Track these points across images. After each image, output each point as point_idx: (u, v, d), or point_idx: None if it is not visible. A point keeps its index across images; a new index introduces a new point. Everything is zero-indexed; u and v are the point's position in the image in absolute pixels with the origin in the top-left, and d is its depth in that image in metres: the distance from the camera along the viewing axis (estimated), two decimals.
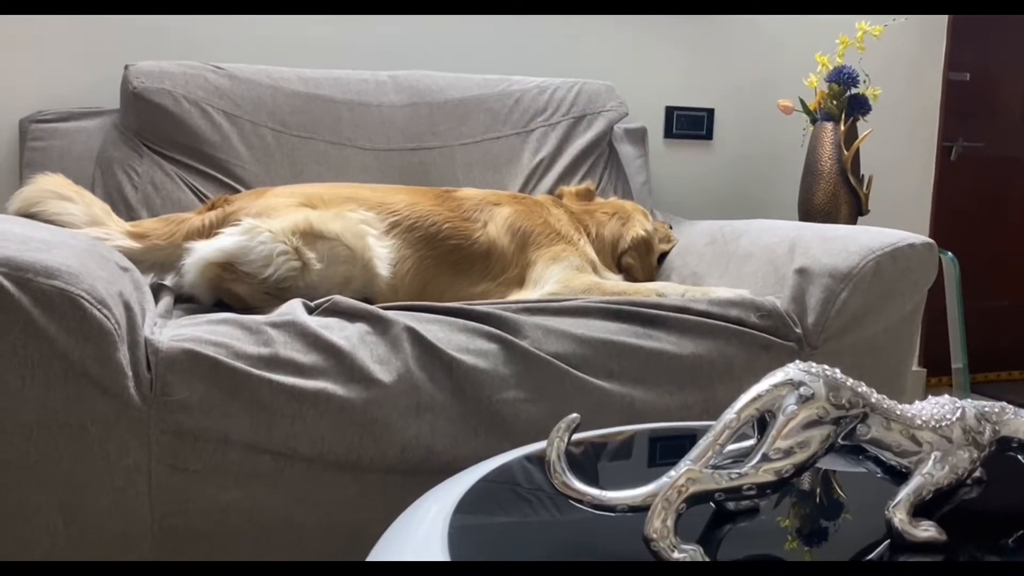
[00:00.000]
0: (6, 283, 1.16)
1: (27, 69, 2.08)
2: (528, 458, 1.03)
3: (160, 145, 1.95)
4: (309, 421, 1.30)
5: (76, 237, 1.45)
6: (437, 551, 0.78)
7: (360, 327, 1.40)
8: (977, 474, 0.94)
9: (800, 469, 0.80)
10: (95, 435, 1.22)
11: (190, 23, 2.18)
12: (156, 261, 1.62)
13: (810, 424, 0.80)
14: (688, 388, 1.51)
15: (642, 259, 1.99)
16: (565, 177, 2.21)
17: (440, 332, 1.42)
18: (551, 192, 2.15)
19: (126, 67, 1.97)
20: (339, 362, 1.33)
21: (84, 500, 1.23)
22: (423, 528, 0.84)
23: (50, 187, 1.62)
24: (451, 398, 1.38)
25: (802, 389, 0.81)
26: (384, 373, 1.35)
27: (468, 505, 0.89)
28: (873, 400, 0.84)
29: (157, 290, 1.55)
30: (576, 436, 1.08)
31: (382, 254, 1.66)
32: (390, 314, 1.42)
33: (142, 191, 1.91)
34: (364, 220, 1.67)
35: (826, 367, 0.83)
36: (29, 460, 1.20)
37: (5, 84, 2.06)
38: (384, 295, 1.64)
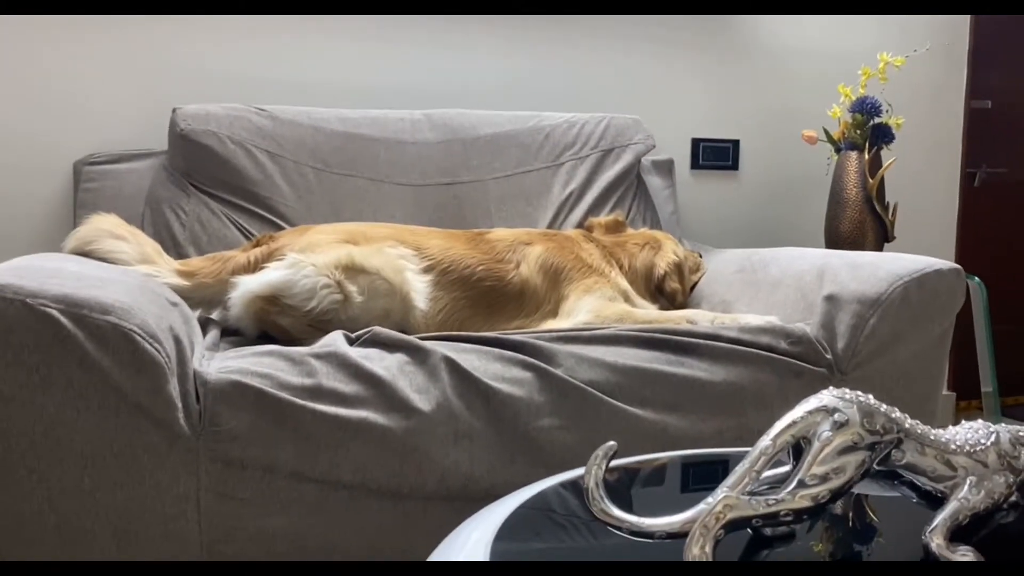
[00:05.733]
0: (63, 319, 1.18)
1: (80, 114, 2.13)
2: (564, 485, 1.02)
3: (206, 184, 1.98)
4: (351, 450, 1.31)
5: (128, 274, 1.48)
6: None
7: (399, 357, 1.41)
8: (1013, 499, 0.92)
9: (836, 495, 0.79)
10: (147, 465, 1.24)
11: (234, 67, 2.22)
12: (204, 297, 1.64)
13: (845, 450, 0.79)
14: (721, 414, 1.50)
15: (682, 281, 1.98)
16: (595, 209, 2.21)
17: (476, 361, 1.42)
18: (581, 224, 2.16)
19: (174, 110, 2.02)
20: (380, 392, 1.34)
21: (136, 527, 1.24)
22: (466, 555, 0.84)
23: (104, 226, 1.65)
24: (488, 426, 1.38)
25: (836, 415, 0.80)
26: (423, 402, 1.35)
27: (509, 532, 0.88)
28: (907, 425, 0.83)
29: (204, 324, 1.57)
30: (612, 463, 1.07)
31: (420, 288, 1.67)
32: (428, 344, 1.43)
33: (189, 229, 1.94)
34: (402, 256, 1.69)
35: (860, 393, 0.82)
36: (84, 488, 1.22)
37: (59, 128, 2.11)
38: (421, 328, 1.65)
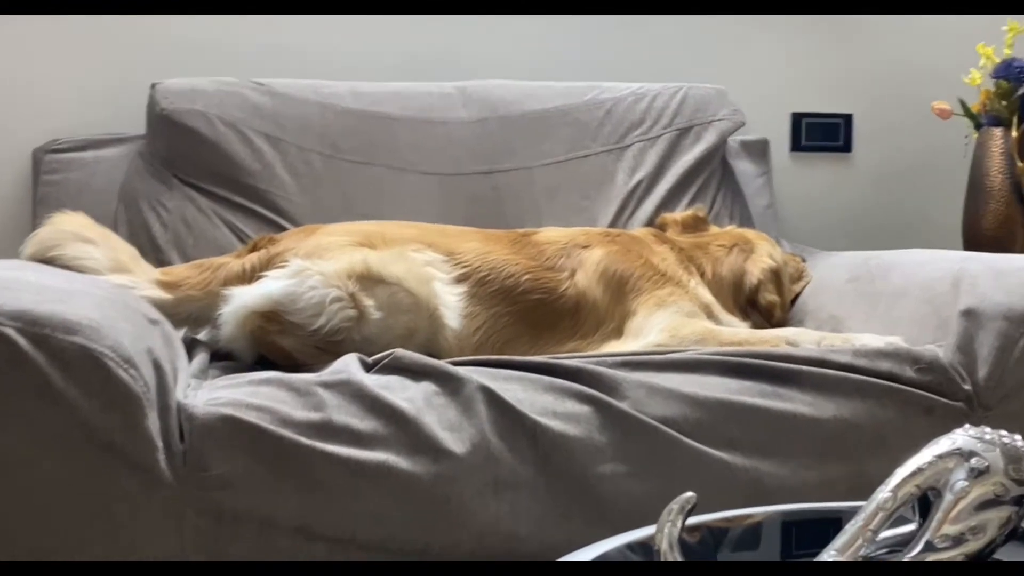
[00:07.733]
0: (20, 340, 1.21)
1: (41, 92, 2.18)
2: (631, 546, 1.02)
3: (192, 175, 2.02)
4: (368, 500, 1.32)
5: (98, 285, 1.52)
6: None
7: (426, 387, 1.42)
8: None
9: (974, 561, 0.78)
10: (120, 518, 1.26)
11: (225, 34, 2.25)
12: (190, 313, 1.67)
13: (985, 504, 0.79)
14: (829, 460, 1.49)
15: (780, 292, 1.97)
16: (668, 202, 2.21)
17: (521, 392, 1.43)
18: (652, 221, 2.16)
19: (152, 86, 2.06)
20: (402, 429, 1.35)
21: None
22: None
23: (69, 228, 1.69)
24: (536, 472, 1.38)
25: (974, 461, 0.79)
26: (455, 442, 1.36)
27: None
28: None
29: (191, 346, 1.60)
30: (691, 520, 1.07)
31: (451, 302, 1.69)
32: (461, 371, 1.44)
33: (172, 229, 1.98)
34: (430, 262, 1.71)
35: (1004, 433, 0.82)
36: (45, 549, 1.25)
37: (17, 110, 2.16)
38: (453, 351, 1.66)
